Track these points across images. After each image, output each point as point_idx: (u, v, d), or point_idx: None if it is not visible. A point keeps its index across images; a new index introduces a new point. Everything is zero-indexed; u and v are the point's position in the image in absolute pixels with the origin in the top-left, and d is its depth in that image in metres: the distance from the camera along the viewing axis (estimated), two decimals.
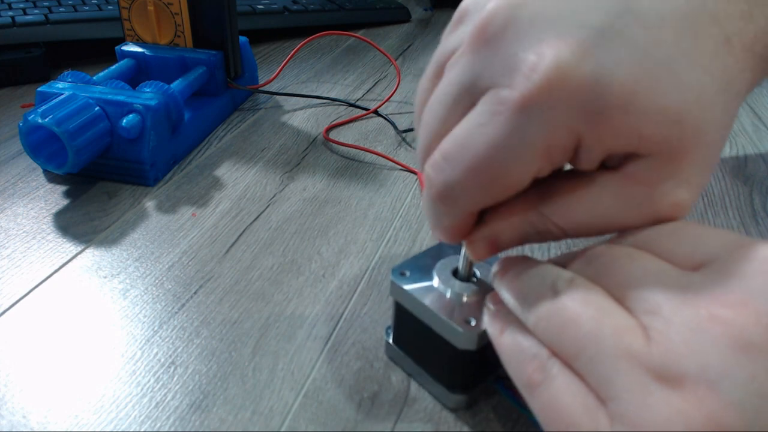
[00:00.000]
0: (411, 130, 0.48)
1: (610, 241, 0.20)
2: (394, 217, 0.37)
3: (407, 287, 0.24)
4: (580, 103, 0.18)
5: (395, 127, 0.48)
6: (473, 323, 0.22)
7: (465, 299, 0.23)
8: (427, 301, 0.23)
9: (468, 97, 0.20)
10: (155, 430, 0.23)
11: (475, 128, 0.19)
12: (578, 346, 0.17)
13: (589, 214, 0.20)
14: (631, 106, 0.17)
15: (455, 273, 0.24)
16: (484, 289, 0.24)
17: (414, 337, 0.25)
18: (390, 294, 0.25)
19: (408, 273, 0.24)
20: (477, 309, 0.23)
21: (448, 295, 0.23)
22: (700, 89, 0.18)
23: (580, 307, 0.18)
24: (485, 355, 0.24)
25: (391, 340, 0.26)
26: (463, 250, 0.24)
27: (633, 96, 0.17)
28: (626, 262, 0.18)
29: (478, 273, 0.24)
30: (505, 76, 0.18)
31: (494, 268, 0.22)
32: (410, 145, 0.46)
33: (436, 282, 0.24)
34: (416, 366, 0.25)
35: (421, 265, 0.25)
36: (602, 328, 0.17)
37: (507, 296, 0.21)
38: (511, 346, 0.20)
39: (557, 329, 0.18)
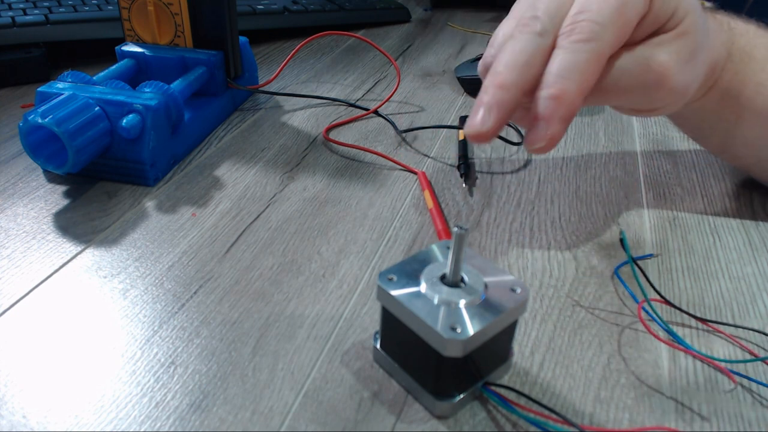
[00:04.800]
0: (411, 130, 0.48)
1: None
2: (394, 217, 0.37)
3: (394, 293, 0.24)
4: None
5: (395, 127, 0.48)
6: (459, 330, 0.22)
7: (452, 306, 0.23)
8: (414, 307, 0.23)
9: None
10: (155, 430, 0.23)
11: None
12: None
13: (614, 69, 0.28)
14: None
15: (443, 279, 0.24)
16: (472, 296, 0.23)
17: (401, 342, 0.25)
18: (377, 299, 0.25)
19: (395, 278, 0.24)
20: (464, 315, 0.23)
21: (435, 301, 0.23)
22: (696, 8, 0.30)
23: None
24: (472, 362, 0.24)
25: (378, 346, 0.26)
26: (451, 255, 0.24)
27: None
28: None
29: (466, 279, 0.24)
30: None
31: None
32: (410, 145, 0.46)
33: (423, 288, 0.24)
34: (403, 372, 0.25)
35: (408, 270, 0.25)
36: None
37: None
38: None
39: None
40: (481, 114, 0.26)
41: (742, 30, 0.36)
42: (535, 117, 0.26)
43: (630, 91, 0.28)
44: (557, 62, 0.26)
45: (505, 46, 0.27)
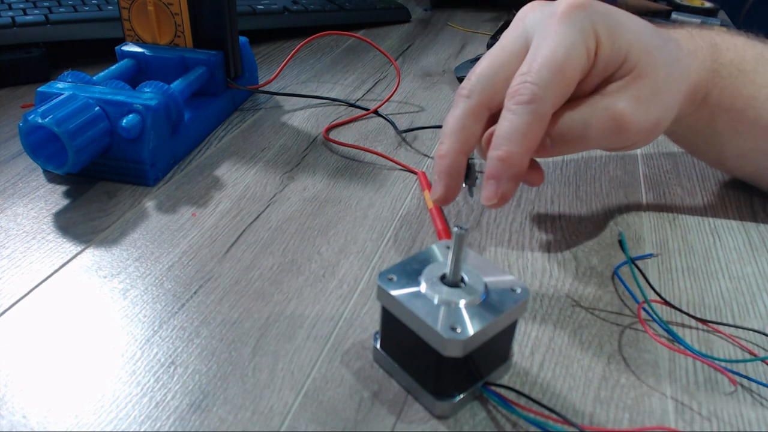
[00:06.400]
0: (411, 130, 0.48)
1: None
2: (394, 217, 0.37)
3: (394, 293, 0.24)
4: (598, 15, 0.28)
5: (395, 127, 0.48)
6: (459, 330, 0.22)
7: (452, 306, 0.23)
8: (414, 307, 0.23)
9: (522, 42, 0.30)
10: (155, 430, 0.23)
11: (542, 42, 0.28)
12: None
13: (574, 122, 0.29)
14: (623, 27, 0.29)
15: (443, 279, 0.24)
16: (472, 296, 0.23)
17: (401, 343, 0.25)
18: (377, 299, 0.25)
19: (395, 278, 0.24)
20: (464, 315, 0.23)
21: (435, 301, 0.23)
22: (642, 39, 0.30)
23: None
24: (472, 362, 0.24)
25: (378, 346, 0.26)
26: (451, 255, 0.24)
27: (623, 22, 0.29)
28: None
29: (466, 279, 0.24)
30: (544, 17, 0.29)
31: None
32: (410, 145, 0.46)
33: (423, 288, 0.24)
34: (403, 372, 0.25)
35: (408, 270, 0.25)
36: None
37: None
38: None
39: None
40: (433, 186, 0.31)
41: (729, 44, 0.36)
42: (487, 176, 0.28)
43: (596, 140, 0.29)
44: (503, 125, 0.28)
45: (447, 115, 0.31)
